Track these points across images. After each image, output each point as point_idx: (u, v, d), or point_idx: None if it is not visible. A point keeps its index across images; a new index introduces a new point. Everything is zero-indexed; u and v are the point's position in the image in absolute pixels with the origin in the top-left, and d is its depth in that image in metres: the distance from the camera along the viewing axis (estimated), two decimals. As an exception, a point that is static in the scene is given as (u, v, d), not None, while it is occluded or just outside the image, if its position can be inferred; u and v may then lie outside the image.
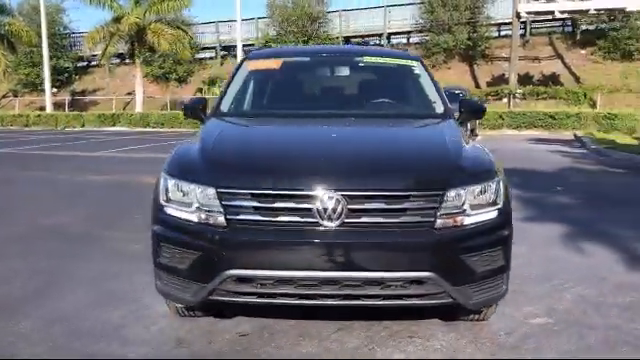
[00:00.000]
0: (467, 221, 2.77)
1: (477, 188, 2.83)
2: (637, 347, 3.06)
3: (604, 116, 20.22)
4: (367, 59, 4.62)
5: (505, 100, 24.63)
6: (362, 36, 33.96)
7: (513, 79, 23.10)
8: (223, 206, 2.78)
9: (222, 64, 35.57)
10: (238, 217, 2.77)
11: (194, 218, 2.86)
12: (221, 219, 2.78)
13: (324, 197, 2.67)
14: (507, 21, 30.65)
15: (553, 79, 28.04)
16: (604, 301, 3.75)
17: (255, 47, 33.16)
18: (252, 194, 2.76)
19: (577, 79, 27.78)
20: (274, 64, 4.49)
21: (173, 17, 29.86)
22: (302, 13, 31.31)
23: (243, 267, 2.72)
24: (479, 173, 2.93)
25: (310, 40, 31.38)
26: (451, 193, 2.76)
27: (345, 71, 4.56)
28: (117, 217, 6.50)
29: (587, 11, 22.01)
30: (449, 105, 4.03)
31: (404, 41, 33.74)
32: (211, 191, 2.81)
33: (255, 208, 2.76)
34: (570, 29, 31.03)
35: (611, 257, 4.73)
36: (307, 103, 4.32)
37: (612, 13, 25.68)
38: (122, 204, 7.42)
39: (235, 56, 34.94)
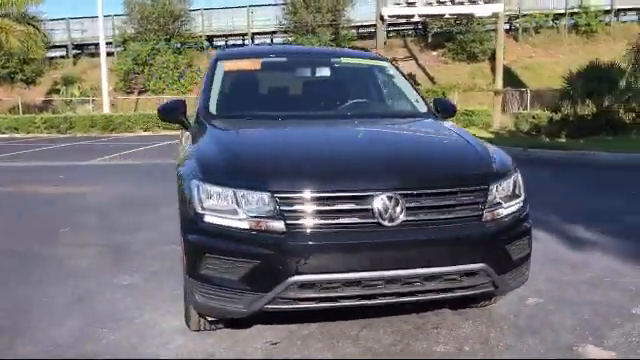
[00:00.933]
0: (503, 213, 3.00)
1: (506, 182, 3.07)
2: (625, 317, 3.51)
3: (462, 113, 22.04)
4: (344, 60, 4.72)
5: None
6: (226, 35, 33.67)
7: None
8: (281, 211, 2.73)
9: (75, 63, 33.24)
10: (298, 222, 2.72)
11: (244, 225, 2.76)
12: (279, 224, 2.72)
13: (384, 197, 2.73)
14: (366, 23, 32.28)
15: (411, 79, 29.93)
16: (571, 279, 4.22)
17: (114, 45, 31.47)
18: (312, 197, 2.74)
19: (431, 79, 29.91)
20: (253, 65, 4.42)
21: (18, 14, 27.19)
22: (163, 11, 30.24)
23: (308, 272, 2.69)
24: (506, 167, 3.18)
25: (172, 38, 30.49)
26: (492, 187, 2.97)
27: (326, 71, 4.60)
28: (43, 232, 5.95)
29: (442, 16, 23.80)
30: (429, 104, 4.27)
31: (268, 41, 33.99)
32: (266, 196, 2.74)
33: (315, 212, 2.74)
34: (422, 32, 33.28)
35: (550, 240, 5.28)
36: (302, 104, 4.31)
37: (460, 18, 28.00)
38: (37, 217, 6.78)
39: (91, 54, 32.93)
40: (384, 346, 3.16)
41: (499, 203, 2.99)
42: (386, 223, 2.73)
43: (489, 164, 3.13)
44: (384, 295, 2.81)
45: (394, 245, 2.75)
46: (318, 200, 2.74)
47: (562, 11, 31.04)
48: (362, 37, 32.97)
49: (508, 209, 3.03)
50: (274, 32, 32.89)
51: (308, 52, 5.54)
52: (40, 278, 4.45)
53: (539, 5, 31.26)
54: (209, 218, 2.82)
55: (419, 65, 31.42)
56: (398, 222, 2.74)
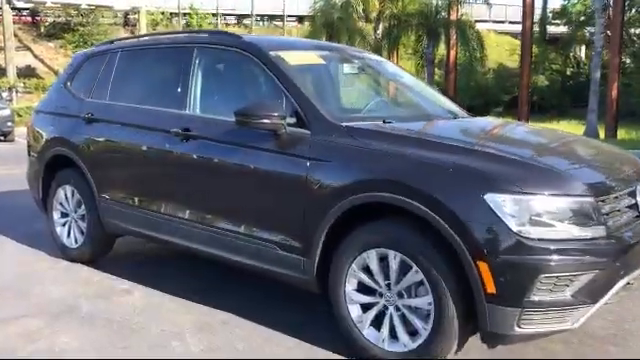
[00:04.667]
0: None
1: None
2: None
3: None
4: (366, 55, 4.51)
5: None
6: None
7: (12, 72, 21.30)
8: (600, 216, 2.55)
9: None
10: (607, 224, 2.57)
11: (576, 235, 2.49)
12: (602, 229, 2.54)
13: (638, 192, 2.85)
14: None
15: (30, 71, 27.15)
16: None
17: None
18: (613, 198, 2.69)
19: (55, 72, 27.64)
20: (316, 59, 3.83)
21: None
22: None
23: (631, 272, 2.63)
24: None
25: None
26: None
27: (368, 67, 4.32)
28: None
29: (79, 5, 22.40)
30: None
31: None
32: (590, 203, 2.54)
33: (613, 211, 2.66)
34: (31, 21, 30.14)
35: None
36: (392, 103, 4.12)
37: (80, 10, 26.67)
38: None
39: None
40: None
41: None
42: None
43: None
44: None
45: None
46: (616, 200, 2.71)
47: (176, 11, 32.71)
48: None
49: None
50: None
51: (334, 47, 4.68)
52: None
53: (154, 3, 32.14)
54: (535, 234, 2.44)
55: (36, 56, 28.60)
56: None
